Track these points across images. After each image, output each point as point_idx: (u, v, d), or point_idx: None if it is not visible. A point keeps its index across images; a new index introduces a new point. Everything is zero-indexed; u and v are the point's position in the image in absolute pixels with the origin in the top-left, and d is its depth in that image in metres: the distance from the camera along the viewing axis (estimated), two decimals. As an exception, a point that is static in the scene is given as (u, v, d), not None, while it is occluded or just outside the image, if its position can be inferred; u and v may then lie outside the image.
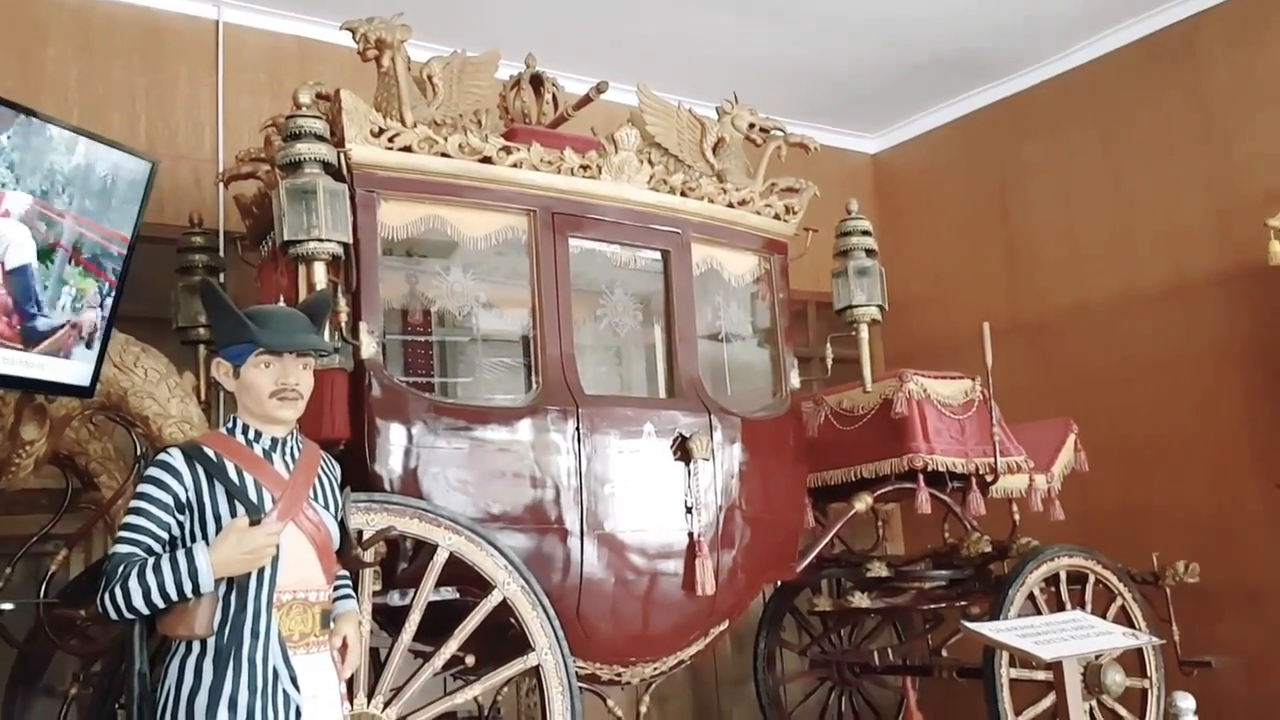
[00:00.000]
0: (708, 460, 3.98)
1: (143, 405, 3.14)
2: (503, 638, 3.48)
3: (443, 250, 3.86)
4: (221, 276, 4.41)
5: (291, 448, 2.66)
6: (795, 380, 4.52)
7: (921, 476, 4.69)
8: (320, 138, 3.36)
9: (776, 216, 4.54)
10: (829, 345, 4.64)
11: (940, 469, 4.72)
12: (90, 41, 4.96)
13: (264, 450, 2.61)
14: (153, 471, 2.50)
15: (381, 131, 3.57)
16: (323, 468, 2.73)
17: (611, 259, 4.15)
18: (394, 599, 3.44)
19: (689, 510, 3.95)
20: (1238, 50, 5.80)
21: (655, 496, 3.89)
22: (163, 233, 4.64)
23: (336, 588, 2.81)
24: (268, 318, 2.61)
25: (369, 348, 3.48)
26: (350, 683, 2.97)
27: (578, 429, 3.74)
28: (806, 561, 4.50)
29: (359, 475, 3.41)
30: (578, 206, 3.97)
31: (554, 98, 4.51)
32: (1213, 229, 5.81)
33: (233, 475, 2.53)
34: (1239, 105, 5.76)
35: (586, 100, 4.34)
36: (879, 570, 5.18)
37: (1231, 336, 5.62)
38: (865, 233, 4.64)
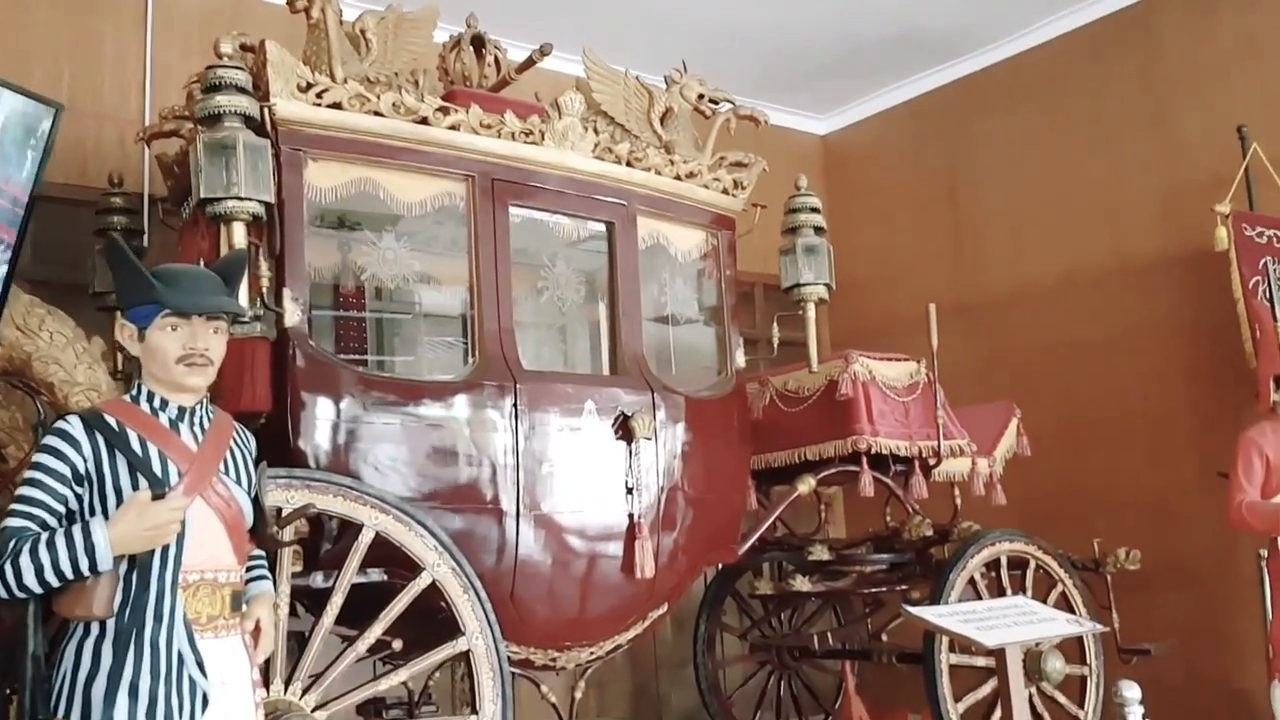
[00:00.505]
0: (649, 440, 3.85)
1: (47, 371, 2.92)
2: (433, 621, 3.33)
3: (376, 217, 3.66)
4: (145, 240, 4.19)
5: (201, 417, 2.48)
6: (741, 360, 4.41)
7: (865, 459, 4.60)
8: (242, 90, 3.15)
9: (725, 191, 4.42)
10: (775, 325, 4.54)
11: (884, 452, 4.64)
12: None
13: (170, 420, 2.42)
14: (49, 440, 2.31)
15: (309, 86, 3.37)
16: (235, 440, 2.55)
17: (554, 230, 3.99)
18: (317, 581, 3.27)
19: (630, 491, 3.82)
20: (1188, 33, 5.78)
21: (595, 477, 3.76)
22: (84, 195, 4.42)
23: (250, 568, 2.64)
24: (176, 277, 2.42)
25: (293, 315, 3.29)
26: (266, 668, 2.80)
27: (515, 406, 3.59)
28: (748, 544, 4.40)
29: (281, 451, 3.24)
30: (519, 173, 3.80)
31: (496, 60, 4.32)
32: (1158, 212, 5.80)
33: (135, 446, 2.34)
34: (1188, 89, 5.75)
35: (530, 63, 4.16)
36: (820, 554, 5.10)
37: (1175, 320, 5.63)
38: (814, 209, 4.53)
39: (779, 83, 7.06)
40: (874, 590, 5.13)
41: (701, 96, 4.48)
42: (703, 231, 4.41)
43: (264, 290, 3.21)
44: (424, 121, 3.57)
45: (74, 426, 2.32)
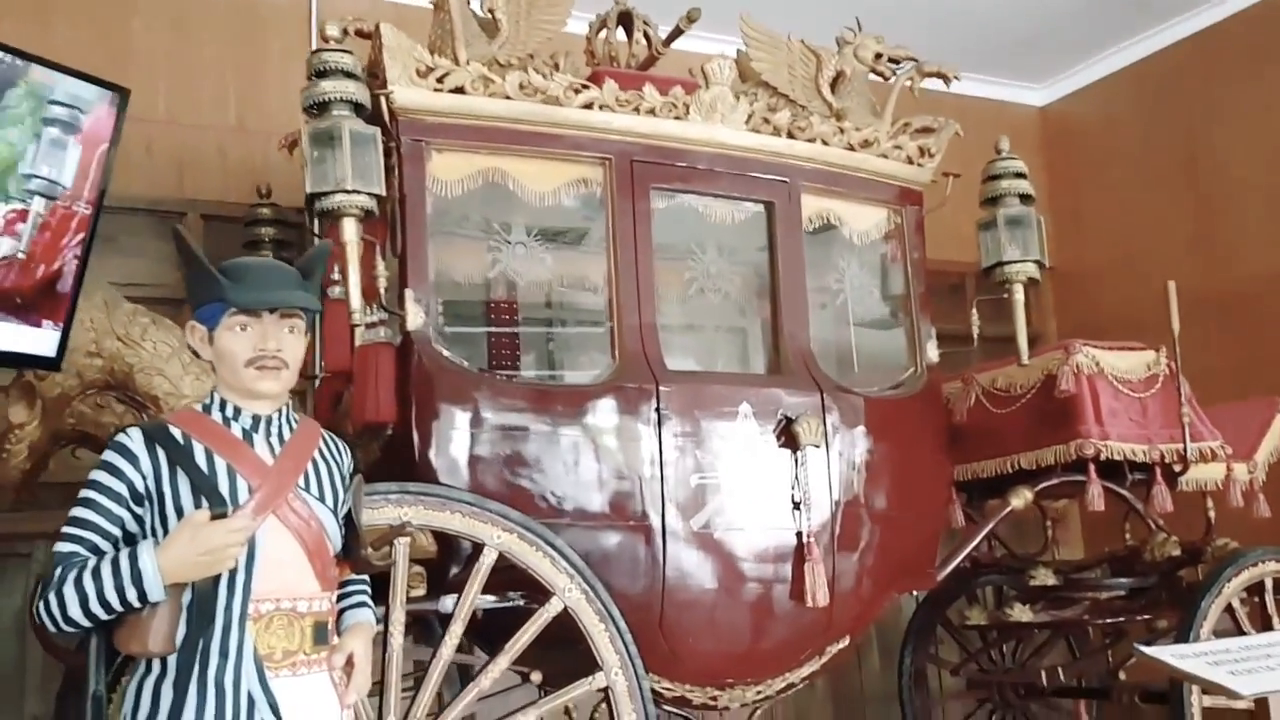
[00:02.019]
0: (818, 447, 3.36)
1: (151, 383, 2.78)
2: (577, 652, 2.98)
3: (506, 210, 3.36)
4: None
5: (280, 427, 2.22)
6: (933, 354, 3.84)
7: (1093, 466, 3.90)
8: (350, 75, 2.92)
9: (909, 160, 3.86)
10: (975, 311, 3.93)
11: (1116, 457, 3.93)
12: (183, 17, 4.73)
13: (244, 430, 2.17)
14: (107, 455, 2.11)
15: (429, 71, 3.12)
16: (324, 451, 2.28)
17: (706, 214, 3.57)
18: (447, 605, 2.98)
19: (797, 506, 3.34)
20: None
21: (755, 489, 3.30)
22: (237, 211, 4.38)
23: (345, 595, 2.36)
24: (244, 271, 2.17)
25: (416, 318, 3.03)
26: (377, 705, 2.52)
27: (658, 410, 3.19)
28: (950, 568, 3.82)
29: (407, 464, 2.98)
30: (661, 153, 3.41)
31: (646, 37, 3.96)
32: None
33: (201, 461, 2.10)
34: None
35: (677, 33, 3.79)
36: (1045, 578, 4.42)
37: None
38: (1019, 175, 3.91)
39: (987, 54, 6.38)
40: (1111, 620, 4.39)
41: (879, 56, 3.95)
42: (884, 209, 3.88)
43: (381, 293, 2.95)
44: (554, 101, 3.25)
45: (133, 440, 2.11)
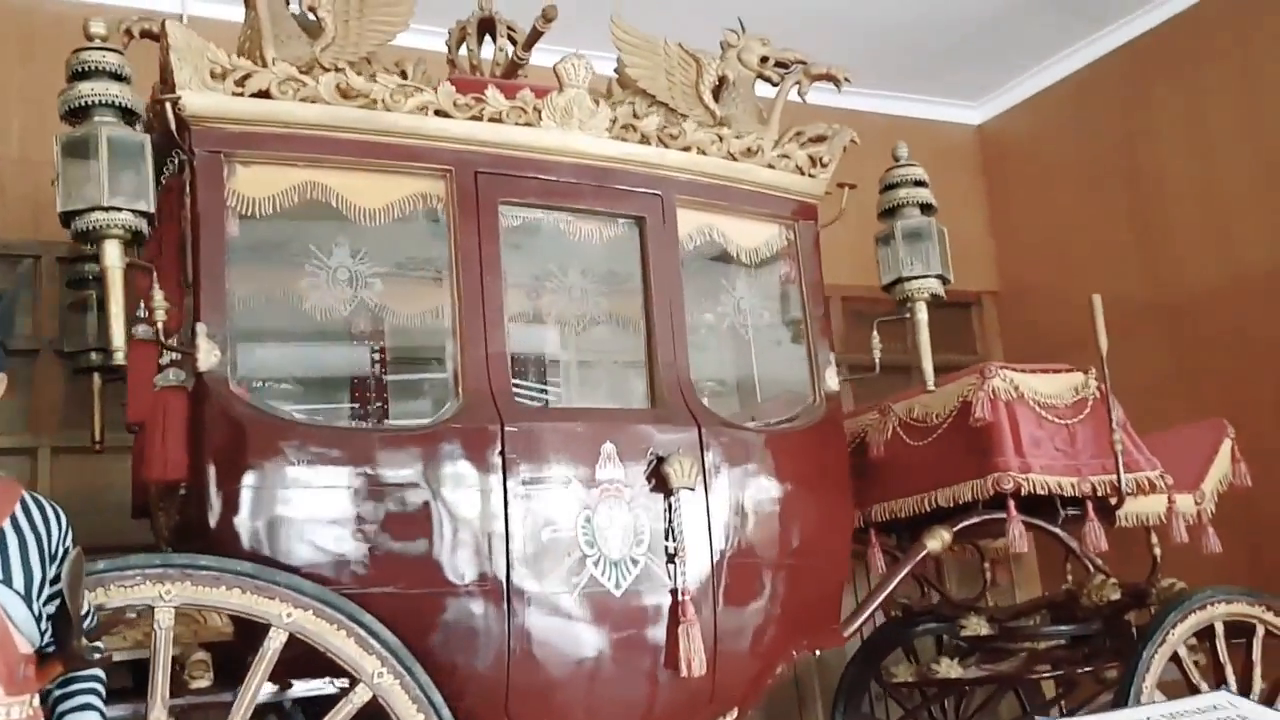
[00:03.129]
0: (693, 490, 2.94)
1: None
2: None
3: (330, 229, 2.94)
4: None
5: None
6: (833, 382, 3.43)
7: (1012, 502, 3.50)
8: (116, 76, 2.52)
9: (800, 171, 3.49)
10: (875, 334, 3.54)
11: (1041, 491, 3.53)
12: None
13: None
14: None
15: (226, 73, 2.72)
16: (21, 522, 1.85)
17: (567, 231, 3.17)
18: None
19: (670, 559, 2.92)
20: None
21: (620, 541, 2.87)
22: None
23: (66, 694, 1.92)
24: None
25: (209, 357, 2.60)
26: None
27: (503, 454, 2.76)
28: (857, 625, 3.39)
29: (200, 530, 2.55)
30: (511, 163, 3.02)
31: (513, 43, 3.58)
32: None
33: None
34: None
35: (536, 35, 3.40)
36: (978, 627, 3.99)
37: None
38: (919, 183, 3.56)
39: (917, 69, 6.10)
40: (1050, 674, 3.97)
41: (765, 60, 3.60)
42: (774, 224, 3.50)
43: (157, 326, 2.53)
44: (380, 106, 2.86)
45: None
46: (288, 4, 2.99)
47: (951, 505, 3.63)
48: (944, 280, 3.50)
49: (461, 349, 2.86)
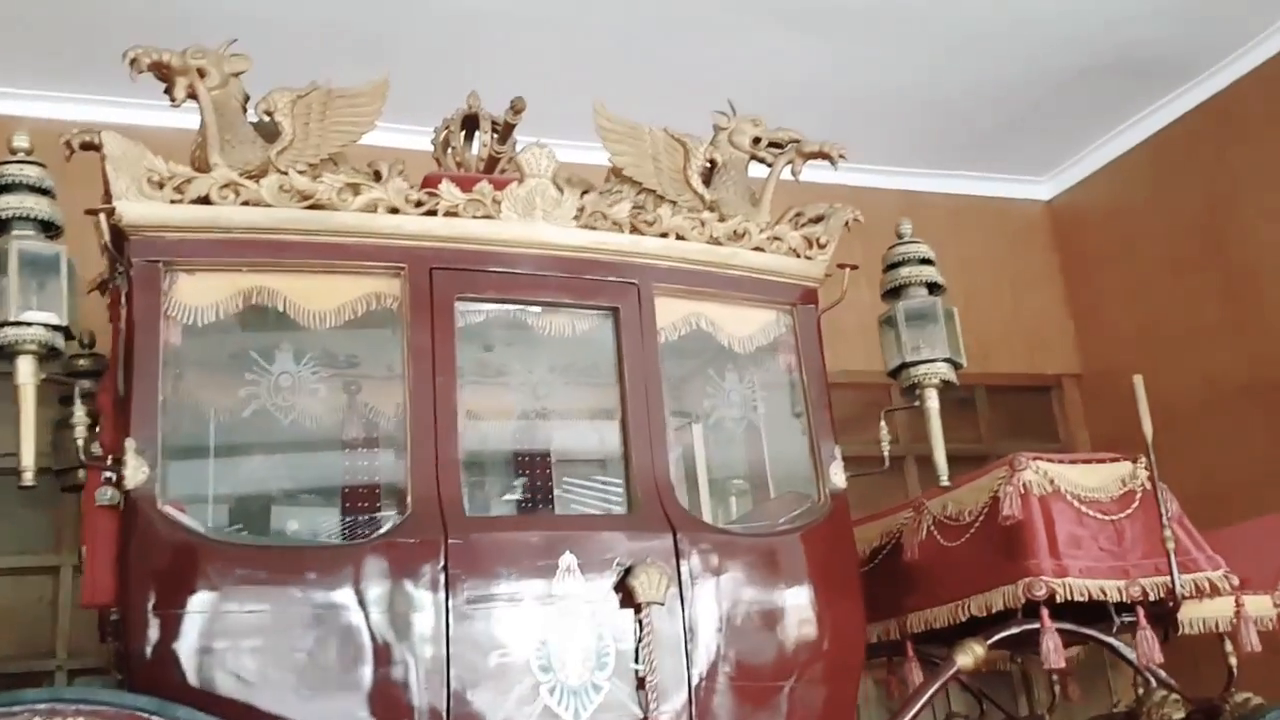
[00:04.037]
0: (662, 604, 2.67)
1: None
2: None
3: (270, 335, 2.84)
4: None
5: None
6: (838, 479, 3.14)
7: (1045, 610, 3.10)
8: (36, 189, 2.48)
9: (795, 253, 3.26)
10: (884, 425, 3.24)
11: (1080, 597, 3.12)
12: None
13: None
14: None
15: (166, 180, 2.66)
16: None
17: (535, 325, 3.00)
18: None
19: (640, 683, 2.64)
20: None
21: (579, 664, 2.61)
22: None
23: None
24: None
25: (137, 474, 2.48)
26: None
27: (445, 570, 2.55)
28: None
29: (128, 655, 2.41)
30: (469, 258, 2.88)
31: (494, 138, 3.48)
32: None
33: None
34: None
35: (508, 128, 3.30)
36: (1032, 751, 3.56)
37: None
38: (924, 261, 3.28)
39: (979, 146, 5.84)
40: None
41: (758, 141, 3.41)
42: (769, 310, 3.26)
43: (78, 442, 2.43)
44: (326, 206, 2.76)
45: None
46: (244, 110, 2.95)
47: (985, 614, 3.25)
48: (955, 365, 3.18)
49: (411, 455, 2.68)
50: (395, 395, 2.78)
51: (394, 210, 2.82)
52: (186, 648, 2.40)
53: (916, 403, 3.20)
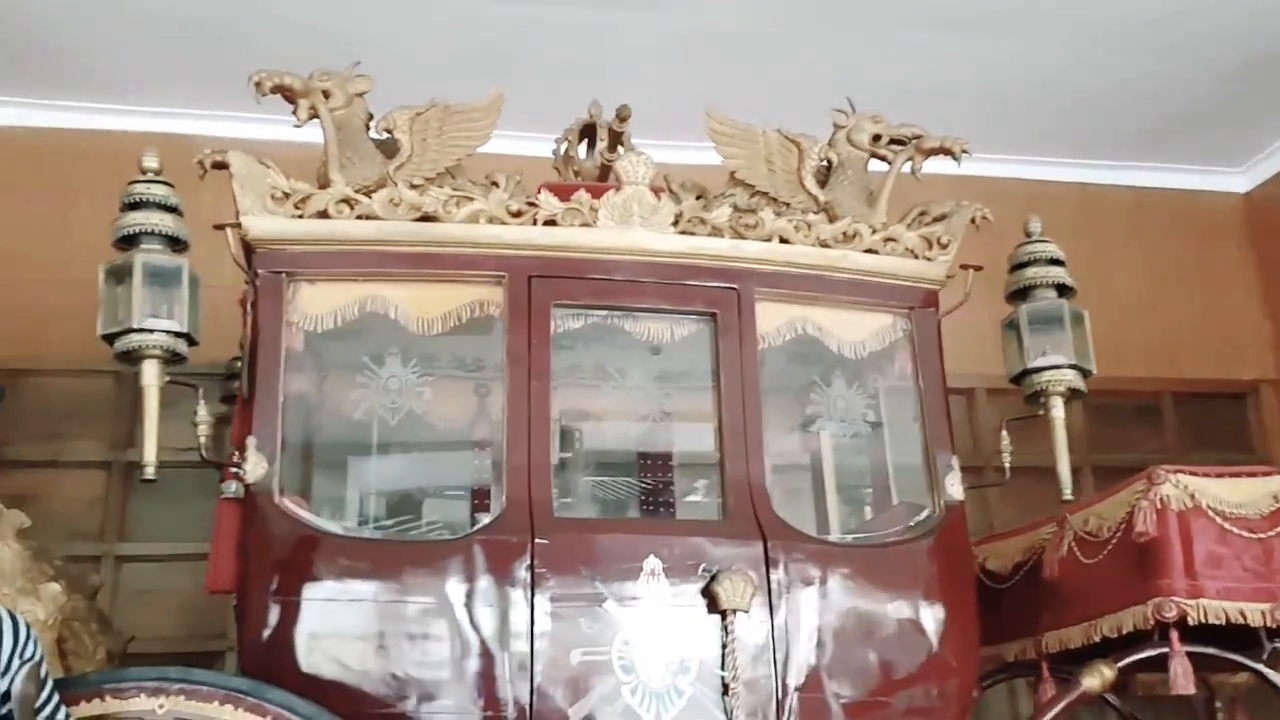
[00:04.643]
0: (746, 612, 2.64)
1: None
2: None
3: (381, 341, 2.98)
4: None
5: None
6: (955, 489, 3.01)
7: (1174, 634, 2.87)
8: (165, 207, 2.70)
9: (912, 254, 3.16)
10: (1005, 436, 3.08)
11: (1216, 619, 2.87)
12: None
13: None
14: None
15: (286, 197, 2.85)
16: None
17: (634, 331, 3.03)
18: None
19: (725, 690, 2.62)
20: None
21: (662, 668, 2.62)
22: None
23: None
24: None
25: (257, 469, 2.68)
26: None
27: (532, 569, 2.61)
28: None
29: (242, 639, 2.60)
30: (566, 266, 2.95)
31: (612, 146, 3.54)
32: None
33: None
34: None
35: (616, 137, 3.34)
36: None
37: None
38: (1053, 261, 3.10)
39: (1166, 135, 5.48)
40: None
41: (878, 138, 3.32)
42: (884, 313, 3.17)
43: (201, 439, 2.64)
44: (430, 218, 2.89)
45: None
46: (367, 128, 3.11)
47: (1116, 636, 3.04)
48: (1084, 372, 2.99)
49: (508, 456, 2.77)
50: (493, 399, 2.86)
51: (495, 220, 2.91)
52: (296, 634, 2.56)
53: (1041, 411, 3.03)
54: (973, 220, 3.20)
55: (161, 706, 2.30)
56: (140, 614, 4.26)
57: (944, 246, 3.18)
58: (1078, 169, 5.70)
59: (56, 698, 2.11)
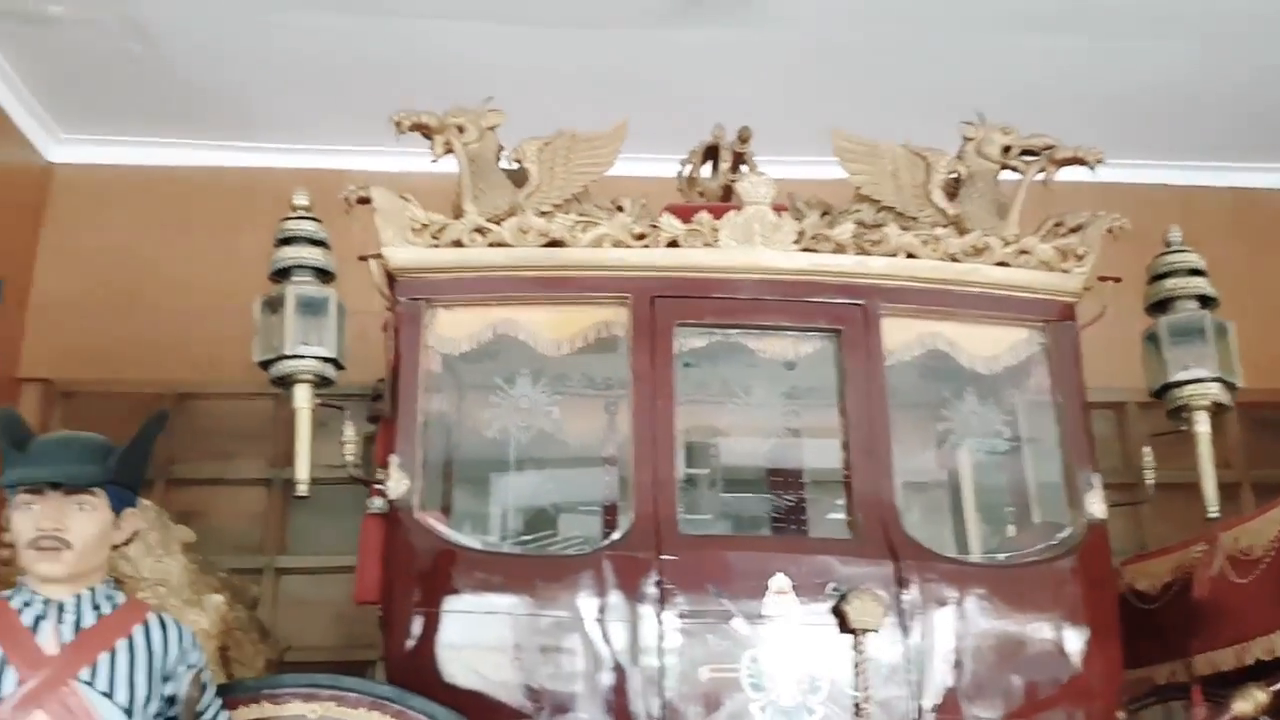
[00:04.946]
0: (875, 632, 2.62)
1: (114, 563, 2.78)
2: None
3: (513, 362, 3.09)
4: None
5: (79, 613, 2.08)
6: (1096, 507, 2.92)
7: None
8: (314, 241, 2.88)
9: (1046, 266, 3.09)
10: (1147, 453, 2.98)
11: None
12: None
13: (36, 617, 2.06)
14: None
15: (424, 228, 3.00)
16: (140, 640, 2.10)
17: (757, 350, 3.06)
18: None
19: (857, 710, 2.61)
20: None
21: (792, 686, 2.63)
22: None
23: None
24: (38, 443, 2.11)
25: (399, 485, 2.82)
26: None
27: (659, 584, 2.66)
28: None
29: (387, 648, 2.74)
30: (689, 286, 3.00)
31: (734, 167, 3.58)
32: None
33: None
34: None
35: (739, 158, 3.38)
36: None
37: None
38: (1194, 272, 2.98)
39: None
40: None
41: (1008, 150, 3.26)
42: (1020, 328, 3.11)
43: (347, 457, 2.79)
44: (557, 244, 2.99)
45: None
46: (498, 159, 3.24)
47: (1270, 659, 2.89)
48: (1230, 385, 2.87)
49: (635, 473, 2.83)
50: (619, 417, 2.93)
51: (620, 244, 2.98)
52: (437, 644, 2.68)
53: (1184, 426, 2.92)
54: (1109, 230, 3.11)
55: (314, 711, 2.44)
56: (298, 623, 4.49)
57: (1080, 258, 3.11)
58: (1231, 173, 5.44)
59: (218, 702, 2.27)
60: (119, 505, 2.14)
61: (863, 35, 4.37)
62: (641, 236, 3.00)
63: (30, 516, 2.06)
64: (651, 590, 2.66)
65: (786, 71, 4.53)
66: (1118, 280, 3.09)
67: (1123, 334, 3.22)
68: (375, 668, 4.47)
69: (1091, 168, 3.16)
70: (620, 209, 3.26)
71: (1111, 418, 4.89)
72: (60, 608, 2.07)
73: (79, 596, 2.09)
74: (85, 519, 2.08)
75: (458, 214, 3.08)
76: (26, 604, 2.08)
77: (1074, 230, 3.16)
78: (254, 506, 4.79)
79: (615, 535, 2.79)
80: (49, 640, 2.04)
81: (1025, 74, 4.52)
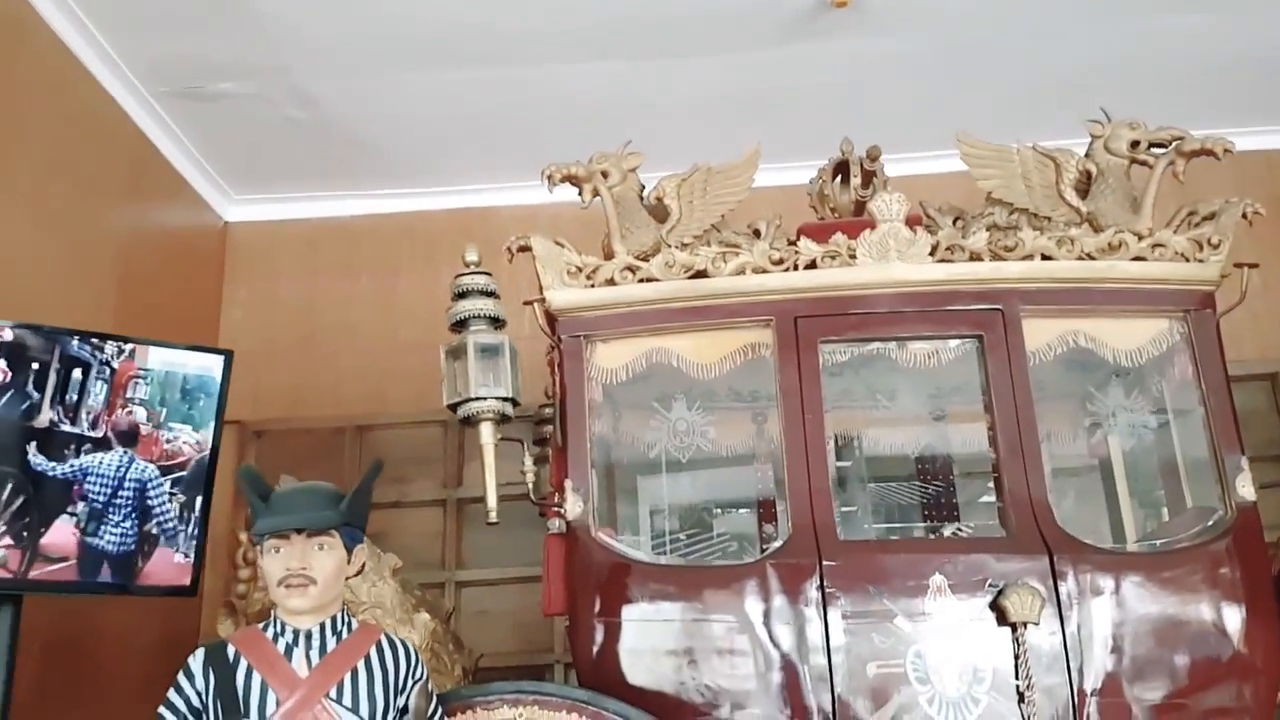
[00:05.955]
0: (1037, 625, 2.76)
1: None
2: None
3: (667, 387, 3.32)
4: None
5: (323, 639, 2.40)
6: (1246, 490, 2.99)
7: None
8: (486, 293, 3.16)
9: (1183, 257, 3.16)
10: (1296, 431, 3.01)
11: None
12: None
13: (287, 645, 2.39)
14: (178, 673, 2.43)
15: (579, 270, 3.26)
16: (374, 659, 2.42)
17: (899, 359, 3.22)
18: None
19: (1020, 698, 2.75)
20: None
21: (956, 678, 2.79)
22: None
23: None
24: (277, 498, 2.44)
25: (575, 508, 3.09)
26: None
27: (822, 588, 2.86)
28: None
29: (575, 655, 3.02)
30: (829, 304, 3.17)
31: (865, 184, 3.72)
32: None
33: (240, 677, 2.34)
34: None
35: (868, 175, 3.53)
36: None
37: None
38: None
39: None
40: None
41: (1137, 144, 3.32)
42: (1160, 319, 3.18)
43: (529, 486, 3.08)
44: (701, 274, 3.21)
45: (195, 660, 2.40)
46: (641, 198, 3.47)
47: None
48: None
49: (788, 484, 3.03)
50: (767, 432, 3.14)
51: (760, 270, 3.18)
52: (619, 650, 2.93)
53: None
54: (1244, 215, 3.15)
55: (520, 715, 2.72)
56: (479, 633, 4.82)
57: (1215, 246, 3.15)
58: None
59: (441, 710, 2.57)
60: (351, 543, 2.46)
61: (995, 31, 4.45)
62: (780, 261, 3.18)
63: (279, 559, 2.38)
64: (814, 594, 2.86)
65: (915, 74, 4.65)
66: (1255, 266, 3.13)
67: (1272, 306, 3.23)
68: (553, 671, 4.79)
69: (1219, 158, 3.19)
70: (757, 234, 3.46)
71: (1266, 388, 4.83)
72: (308, 635, 2.40)
73: (322, 625, 2.41)
74: (325, 557, 2.40)
75: (608, 254, 3.32)
76: (279, 634, 2.41)
77: (1207, 219, 3.21)
78: (430, 525, 5.16)
79: (776, 544, 2.99)
80: (300, 664, 2.36)
81: (1154, 52, 4.52)
